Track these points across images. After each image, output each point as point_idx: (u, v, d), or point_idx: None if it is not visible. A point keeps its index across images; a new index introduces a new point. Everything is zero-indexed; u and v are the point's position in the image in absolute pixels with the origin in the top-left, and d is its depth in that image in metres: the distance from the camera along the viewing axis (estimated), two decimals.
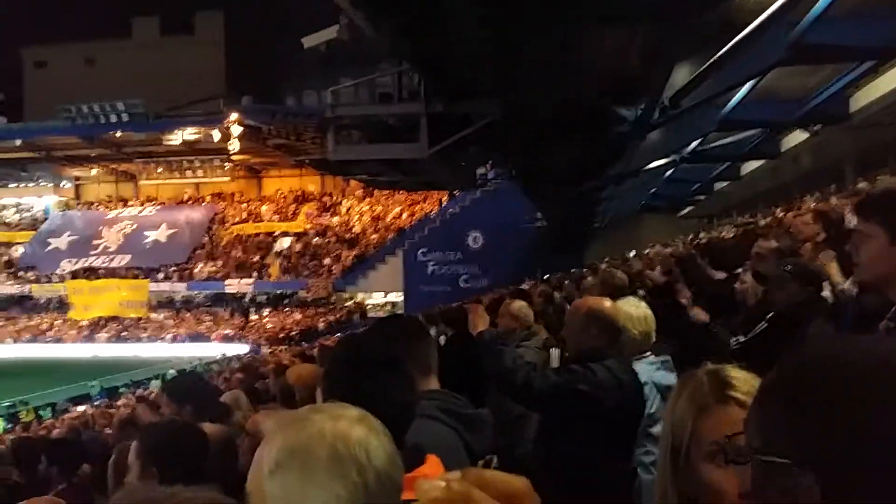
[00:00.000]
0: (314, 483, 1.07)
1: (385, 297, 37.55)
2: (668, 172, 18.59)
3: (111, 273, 41.03)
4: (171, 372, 21.20)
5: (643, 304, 3.82)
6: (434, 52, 8.39)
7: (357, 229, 42.94)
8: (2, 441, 10.35)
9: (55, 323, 40.03)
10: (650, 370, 3.44)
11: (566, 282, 9.61)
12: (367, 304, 37.66)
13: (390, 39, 8.35)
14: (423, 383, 2.18)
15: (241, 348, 31.63)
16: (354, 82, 12.86)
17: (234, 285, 40.38)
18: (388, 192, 40.19)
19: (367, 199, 44.75)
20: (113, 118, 41.70)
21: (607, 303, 3.37)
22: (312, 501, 1.08)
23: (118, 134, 44.01)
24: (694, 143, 15.07)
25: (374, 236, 41.68)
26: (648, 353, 3.56)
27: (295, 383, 3.82)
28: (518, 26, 6.59)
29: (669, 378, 3.44)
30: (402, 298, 34.20)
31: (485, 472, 1.07)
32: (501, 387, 3.29)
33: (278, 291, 40.91)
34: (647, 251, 13.73)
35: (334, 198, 46.16)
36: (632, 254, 14.31)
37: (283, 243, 42.85)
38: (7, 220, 49.02)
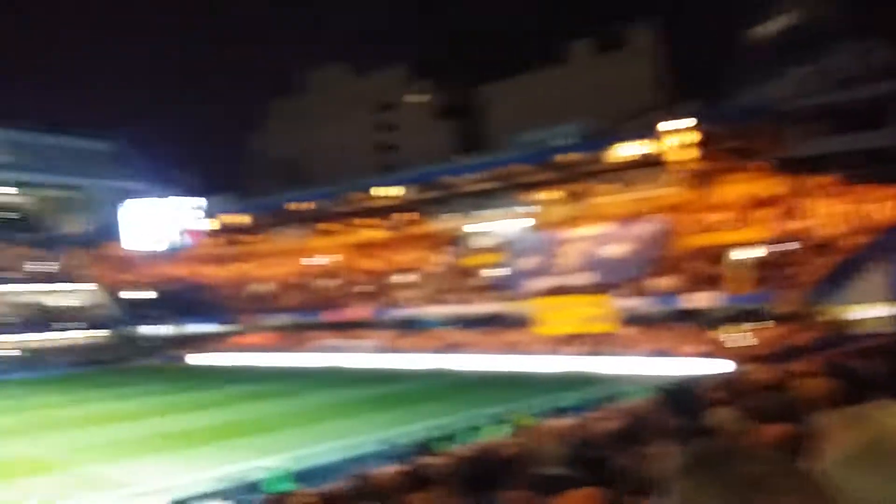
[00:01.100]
0: (889, 476, 1.10)
1: (871, 309, 32.73)
2: None
3: (572, 290, 43.91)
4: (654, 386, 21.13)
5: None
6: None
7: (829, 233, 38.47)
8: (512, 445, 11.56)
9: (525, 339, 43.59)
10: None
11: None
12: (850, 318, 33.28)
13: (853, 14, 7.27)
14: None
15: (713, 364, 30.66)
16: (812, 68, 11.57)
17: (692, 299, 39.72)
18: (865, 186, 35.29)
19: (840, 198, 39.75)
20: (557, 142, 45.13)
21: None
22: (888, 494, 1.10)
23: (564, 157, 47.73)
24: None
25: (851, 240, 36.78)
26: None
27: (806, 399, 3.53)
28: None
29: None
30: (892, 311, 29.45)
31: None
32: None
33: (741, 306, 38.87)
34: None
35: (798, 199, 42.12)
36: None
37: (743, 254, 40.65)
38: (480, 246, 55.87)
